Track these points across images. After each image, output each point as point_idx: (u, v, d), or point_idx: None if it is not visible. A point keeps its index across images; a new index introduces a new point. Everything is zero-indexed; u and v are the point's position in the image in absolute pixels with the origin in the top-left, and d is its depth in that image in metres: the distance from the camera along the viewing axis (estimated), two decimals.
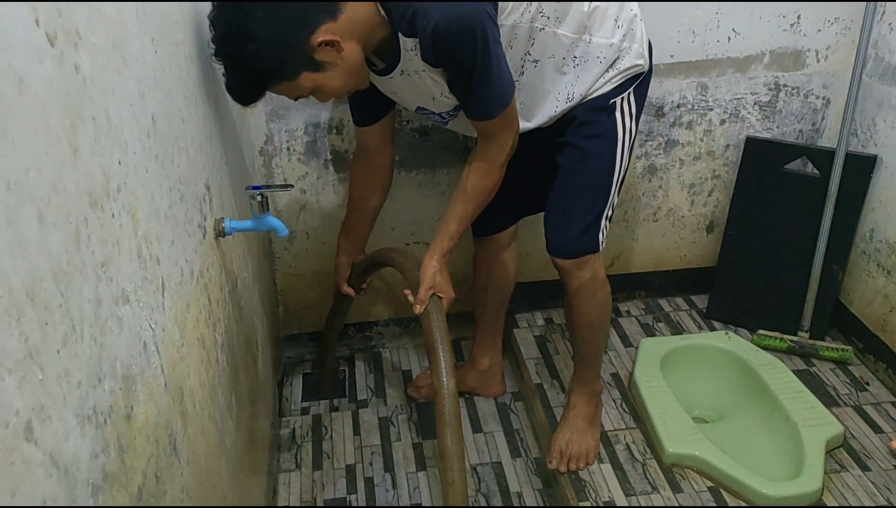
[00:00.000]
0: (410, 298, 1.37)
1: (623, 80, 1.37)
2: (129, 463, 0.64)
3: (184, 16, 1.02)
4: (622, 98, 1.38)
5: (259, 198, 1.16)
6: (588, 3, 1.29)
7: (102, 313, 0.59)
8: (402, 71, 1.23)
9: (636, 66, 1.37)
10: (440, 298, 1.36)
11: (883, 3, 1.74)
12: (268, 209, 1.18)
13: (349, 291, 1.66)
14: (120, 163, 0.65)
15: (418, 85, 1.26)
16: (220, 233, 1.15)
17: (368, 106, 1.44)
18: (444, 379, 1.25)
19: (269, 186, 1.19)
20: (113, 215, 0.63)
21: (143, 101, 0.75)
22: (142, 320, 0.70)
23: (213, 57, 1.12)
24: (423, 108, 1.35)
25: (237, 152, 1.48)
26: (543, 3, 1.24)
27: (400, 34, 1.16)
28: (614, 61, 1.35)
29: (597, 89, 1.36)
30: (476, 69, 1.16)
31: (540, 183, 1.51)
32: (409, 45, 1.17)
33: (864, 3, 1.70)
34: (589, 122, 1.38)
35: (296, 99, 1.21)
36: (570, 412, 1.64)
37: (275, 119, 1.71)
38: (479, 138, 1.32)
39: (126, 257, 0.66)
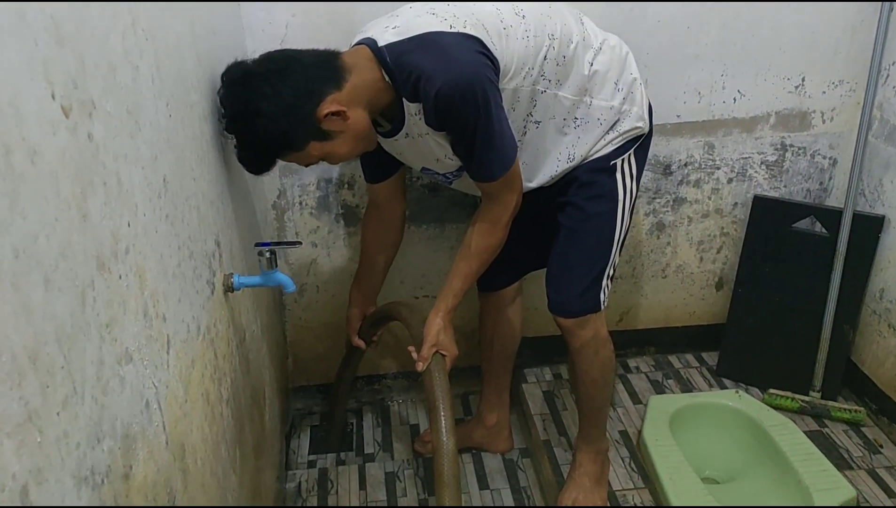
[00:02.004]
0: (414, 355, 1.37)
1: (623, 141, 1.40)
2: None
3: (199, 78, 1.06)
4: (623, 159, 1.40)
5: (268, 254, 1.18)
6: (588, 66, 1.33)
7: (105, 373, 0.60)
8: (407, 134, 1.26)
9: (636, 128, 1.40)
10: (443, 356, 1.37)
11: (887, 66, 1.76)
12: (276, 265, 1.20)
13: (360, 343, 1.66)
14: (129, 225, 0.67)
15: (422, 147, 1.28)
16: (229, 288, 1.16)
17: (379, 164, 1.47)
18: (444, 439, 1.23)
19: (277, 243, 1.22)
20: (120, 277, 0.65)
21: (155, 163, 0.78)
22: (144, 378, 0.71)
23: (224, 132, 1.17)
24: (427, 168, 1.38)
25: (248, 207, 1.51)
26: (545, 67, 1.27)
27: (404, 99, 1.20)
28: (615, 123, 1.38)
29: (598, 151, 1.39)
30: (478, 133, 1.19)
31: (543, 241, 1.53)
32: (413, 110, 1.21)
33: (868, 68, 1.73)
34: (590, 182, 1.40)
35: (306, 166, 1.25)
36: (576, 471, 1.62)
37: (287, 174, 1.75)
38: (483, 198, 1.34)
39: (132, 316, 0.68)
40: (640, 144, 1.43)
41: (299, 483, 1.80)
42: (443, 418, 1.25)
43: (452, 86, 1.13)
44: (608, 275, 1.45)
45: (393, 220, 1.57)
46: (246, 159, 1.20)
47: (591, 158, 1.39)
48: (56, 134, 0.53)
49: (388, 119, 1.27)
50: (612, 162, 1.39)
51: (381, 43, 1.18)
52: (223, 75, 1.15)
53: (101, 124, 0.61)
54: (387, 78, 1.18)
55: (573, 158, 1.38)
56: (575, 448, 1.66)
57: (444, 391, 1.29)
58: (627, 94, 1.38)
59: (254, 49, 1.49)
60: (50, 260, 0.51)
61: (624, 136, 1.39)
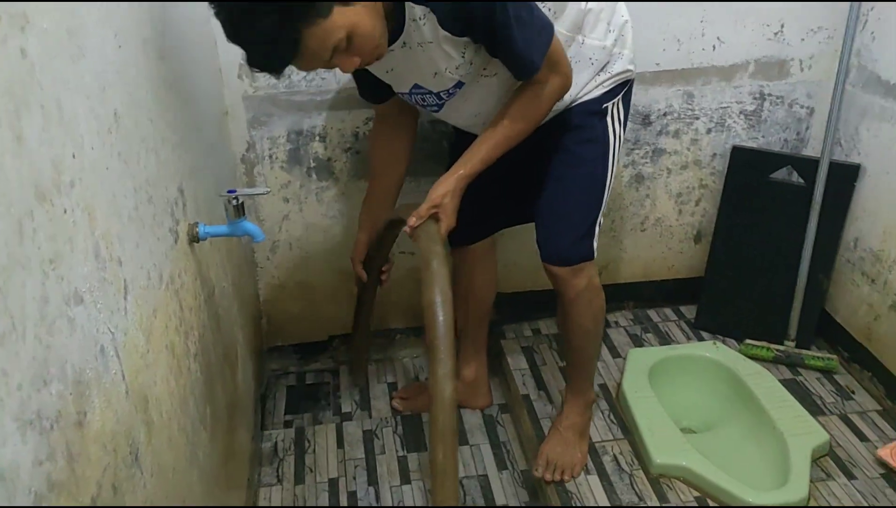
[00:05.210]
0: (412, 220, 1.26)
1: (614, 84, 1.37)
2: (81, 472, 0.61)
3: (153, 15, 1.00)
4: (613, 103, 1.37)
5: (234, 202, 1.13)
6: (584, 2, 1.28)
7: (50, 312, 0.56)
8: (405, 43, 1.17)
9: (627, 71, 1.37)
10: (437, 221, 1.25)
11: (866, 12, 1.73)
12: (244, 214, 1.16)
13: (362, 273, 1.57)
14: (74, 157, 0.63)
15: (420, 59, 1.19)
16: (195, 238, 1.12)
17: (380, 84, 1.34)
18: (441, 387, 1.03)
19: (244, 191, 1.17)
20: (65, 211, 0.60)
21: (103, 94, 0.72)
22: (99, 322, 0.67)
23: (230, 27, 0.98)
24: (419, 86, 1.28)
25: (216, 160, 1.45)
26: None
27: (408, 2, 1.10)
28: (605, 65, 1.35)
29: (588, 92, 1.36)
30: (512, 27, 1.11)
31: (520, 195, 1.49)
32: (417, 14, 1.11)
33: (848, 4, 1.69)
34: (581, 126, 1.36)
35: (329, 58, 1.05)
36: (561, 422, 1.61)
37: (256, 126, 1.69)
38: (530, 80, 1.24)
39: (80, 255, 0.63)
40: (627, 90, 1.40)
41: (275, 442, 1.78)
42: (443, 359, 1.03)
43: None
44: (599, 222, 1.42)
45: (405, 129, 1.49)
46: (262, 43, 0.98)
47: (582, 100, 1.36)
48: None
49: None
50: (604, 105, 1.36)
51: None
52: None
53: (37, 41, 0.56)
54: None
55: (562, 99, 1.34)
56: (563, 400, 1.64)
57: (448, 330, 1.05)
58: (619, 35, 1.35)
59: None
60: None
61: (615, 78, 1.36)
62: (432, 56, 1.18)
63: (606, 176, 1.39)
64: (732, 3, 1.74)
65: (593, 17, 1.31)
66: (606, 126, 1.37)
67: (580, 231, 1.40)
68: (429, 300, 1.08)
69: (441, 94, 1.29)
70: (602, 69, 1.35)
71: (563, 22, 1.28)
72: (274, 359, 2.03)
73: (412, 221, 1.25)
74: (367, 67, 1.22)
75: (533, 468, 1.58)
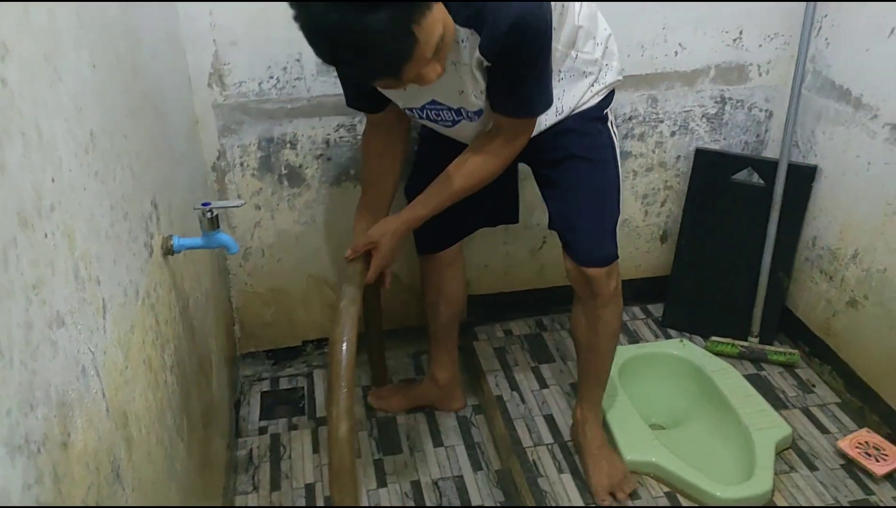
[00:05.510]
0: (347, 253, 1.33)
1: (607, 92, 1.42)
2: (67, 493, 0.62)
3: (126, 29, 1.00)
4: (608, 110, 1.43)
5: (209, 214, 1.14)
6: (577, 17, 1.32)
7: (34, 337, 0.57)
8: None
9: (617, 81, 1.43)
10: (368, 259, 1.30)
11: (820, 19, 1.80)
12: (218, 226, 1.16)
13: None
14: (53, 180, 0.63)
15: (450, 77, 1.19)
16: (169, 251, 1.12)
17: (377, 94, 1.32)
18: (335, 424, 1.09)
19: (218, 203, 1.17)
20: (46, 235, 0.61)
21: (79, 115, 0.73)
22: (79, 343, 0.68)
23: (340, 56, 0.96)
24: (437, 102, 1.28)
25: (187, 169, 1.45)
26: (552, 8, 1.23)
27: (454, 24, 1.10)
28: (598, 76, 1.39)
29: (586, 101, 1.39)
30: (536, 68, 1.16)
31: (490, 203, 1.51)
32: (461, 36, 1.13)
33: (801, 21, 1.76)
34: (587, 132, 1.41)
35: (432, 57, 1.01)
36: (592, 446, 1.57)
37: (227, 134, 1.69)
38: (495, 130, 1.29)
39: (62, 278, 0.64)
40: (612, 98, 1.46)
41: (250, 450, 1.78)
42: (336, 400, 1.09)
43: (531, 15, 1.09)
44: (618, 222, 1.47)
45: (399, 137, 1.48)
46: (380, 40, 0.93)
47: (582, 109, 1.40)
48: None
49: None
50: (605, 111, 1.41)
51: None
52: None
53: (16, 69, 0.57)
54: None
55: (562, 111, 1.37)
56: (582, 420, 1.61)
57: (348, 371, 1.12)
58: (605, 48, 1.39)
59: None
60: None
61: (608, 87, 1.41)
62: (462, 76, 1.20)
63: (619, 176, 1.44)
64: (693, 10, 1.79)
65: (584, 33, 1.35)
66: (609, 130, 1.43)
67: (608, 230, 1.44)
68: (332, 339, 1.15)
69: (461, 110, 1.29)
70: (596, 80, 1.39)
71: (560, 39, 1.30)
72: (247, 365, 2.03)
73: (348, 253, 1.30)
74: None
75: (599, 500, 1.52)
